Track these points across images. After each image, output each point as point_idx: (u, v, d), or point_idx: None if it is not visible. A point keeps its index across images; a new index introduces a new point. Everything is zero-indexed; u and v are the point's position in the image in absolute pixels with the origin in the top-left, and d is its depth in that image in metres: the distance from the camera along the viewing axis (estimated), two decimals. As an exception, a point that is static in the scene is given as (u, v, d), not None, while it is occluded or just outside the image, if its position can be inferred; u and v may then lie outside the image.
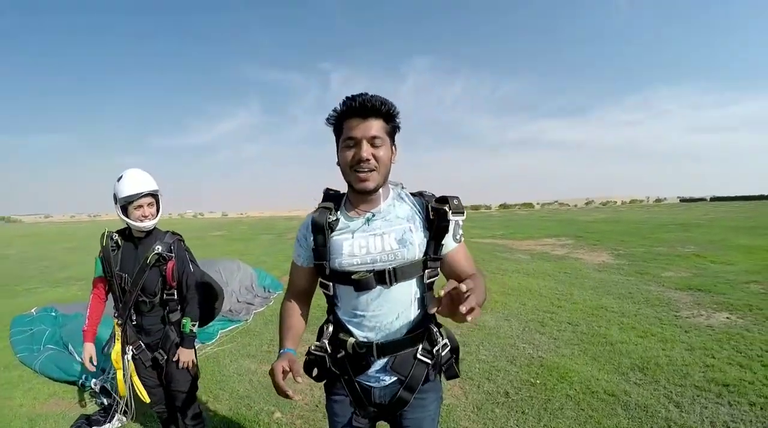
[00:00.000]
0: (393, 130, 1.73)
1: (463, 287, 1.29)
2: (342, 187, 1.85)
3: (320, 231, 1.73)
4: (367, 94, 1.63)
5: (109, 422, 3.91)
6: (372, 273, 1.66)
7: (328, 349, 1.79)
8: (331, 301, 1.84)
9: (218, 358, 5.51)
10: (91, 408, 4.25)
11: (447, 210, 1.68)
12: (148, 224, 2.89)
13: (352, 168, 1.66)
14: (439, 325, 1.86)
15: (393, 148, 1.75)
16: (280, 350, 1.70)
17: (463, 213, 1.73)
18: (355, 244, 1.70)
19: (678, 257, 12.16)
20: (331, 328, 1.82)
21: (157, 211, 2.97)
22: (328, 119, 1.73)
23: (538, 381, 4.36)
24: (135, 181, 2.86)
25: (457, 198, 1.73)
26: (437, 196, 1.79)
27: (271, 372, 1.54)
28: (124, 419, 3.93)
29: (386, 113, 1.66)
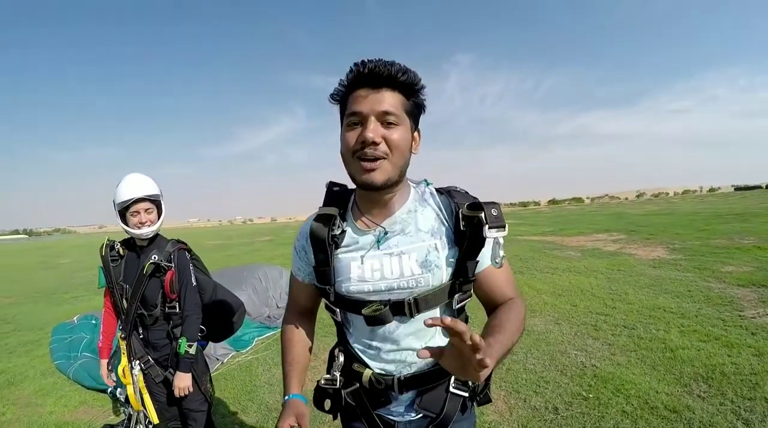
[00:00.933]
0: (415, 108, 1.34)
1: (476, 338, 0.96)
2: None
3: (321, 247, 1.40)
4: (381, 59, 1.26)
5: None
6: (387, 307, 1.34)
7: (340, 382, 1.49)
8: (341, 328, 1.53)
9: (251, 367, 5.36)
10: (118, 417, 4.18)
11: (482, 221, 1.30)
12: (145, 231, 2.70)
13: (354, 154, 1.27)
14: None
15: (415, 133, 1.37)
16: (284, 396, 1.43)
17: (504, 226, 1.32)
18: (366, 267, 1.38)
19: (738, 250, 11.42)
20: (342, 358, 1.51)
21: (159, 216, 2.78)
22: (332, 95, 1.35)
23: (591, 395, 3.99)
24: (132, 186, 2.67)
25: (495, 205, 1.33)
26: (469, 196, 1.43)
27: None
28: None
29: (406, 84, 1.27)
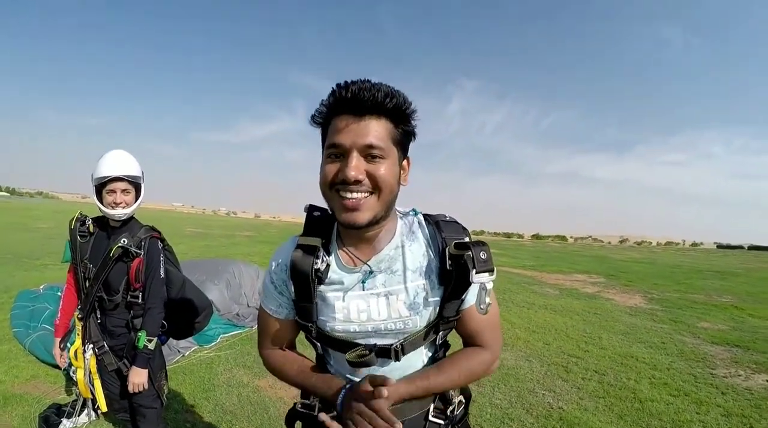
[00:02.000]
0: (404, 136, 1.22)
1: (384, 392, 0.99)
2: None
3: (303, 281, 1.27)
4: (368, 80, 1.13)
5: (77, 416, 3.66)
6: (372, 352, 1.24)
7: (317, 408, 1.36)
8: (321, 359, 1.44)
9: (212, 364, 5.23)
10: (69, 397, 4.09)
11: (469, 264, 1.20)
12: (119, 212, 2.56)
13: (333, 187, 1.17)
14: None
15: (403, 163, 1.26)
16: (337, 393, 1.26)
17: (492, 270, 1.22)
18: (352, 307, 1.28)
19: (714, 307, 11.49)
20: None
21: (136, 199, 2.65)
22: (313, 118, 1.23)
23: (555, 439, 3.90)
24: (112, 163, 2.54)
25: (484, 247, 1.23)
26: (459, 228, 1.33)
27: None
28: (94, 415, 3.71)
29: (394, 110, 1.15)
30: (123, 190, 2.56)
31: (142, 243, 2.66)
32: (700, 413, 4.63)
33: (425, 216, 1.40)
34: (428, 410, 1.38)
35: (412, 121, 1.22)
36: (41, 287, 7.18)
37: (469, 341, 1.40)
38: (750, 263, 37.38)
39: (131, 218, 2.72)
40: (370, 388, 1.13)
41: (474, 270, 1.19)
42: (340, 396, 1.23)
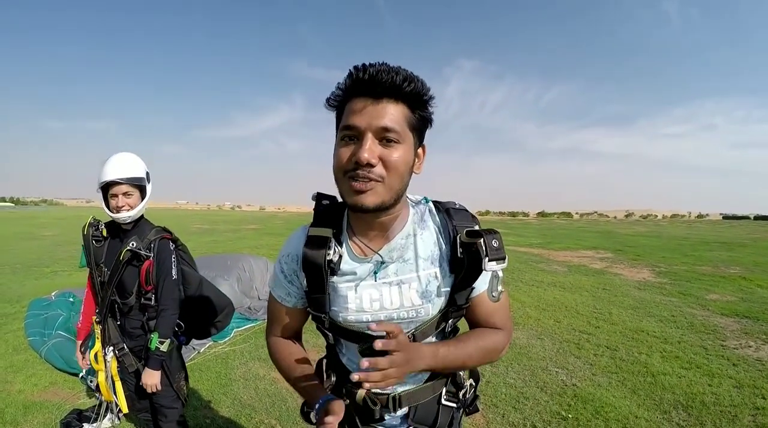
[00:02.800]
0: (421, 122, 1.18)
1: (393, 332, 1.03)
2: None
3: (316, 273, 1.25)
4: (385, 63, 1.09)
5: (100, 420, 3.69)
6: None
7: None
8: (332, 347, 1.44)
9: (227, 359, 5.27)
10: (89, 402, 4.09)
11: (481, 252, 1.19)
12: (123, 215, 2.57)
13: (346, 174, 1.13)
14: None
15: (419, 151, 1.23)
16: (313, 402, 1.27)
17: (504, 258, 1.21)
18: (364, 296, 1.27)
19: (723, 278, 11.50)
20: (334, 377, 1.40)
21: (141, 200, 2.65)
22: (328, 101, 1.19)
23: (570, 415, 3.94)
24: (113, 166, 2.54)
25: (496, 235, 1.22)
26: (468, 215, 1.33)
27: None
28: (116, 419, 3.74)
29: (412, 95, 1.11)
30: (125, 193, 2.56)
31: (152, 244, 2.67)
32: (712, 385, 4.64)
33: (435, 203, 1.39)
34: (440, 393, 1.40)
35: (430, 108, 1.19)
36: (53, 294, 7.24)
37: (481, 326, 1.40)
38: (757, 233, 37.34)
39: (141, 219, 2.73)
40: (338, 412, 1.14)
41: (486, 259, 1.19)
42: (316, 406, 1.24)
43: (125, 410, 2.85)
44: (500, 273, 1.31)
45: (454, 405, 1.42)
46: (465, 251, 1.24)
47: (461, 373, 1.43)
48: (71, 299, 6.85)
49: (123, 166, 2.57)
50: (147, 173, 2.69)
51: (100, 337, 2.75)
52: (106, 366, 2.76)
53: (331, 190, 1.27)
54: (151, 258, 2.64)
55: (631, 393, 4.44)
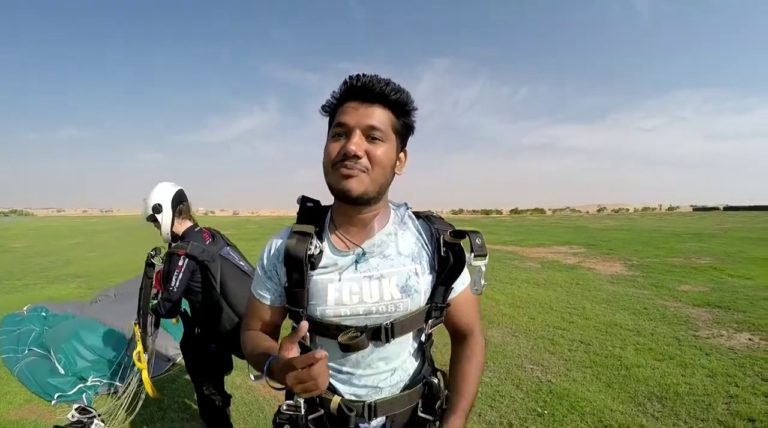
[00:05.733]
0: (404, 128, 1.32)
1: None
2: (326, 197, 1.39)
3: (297, 266, 1.29)
4: (377, 75, 1.24)
5: None
6: (363, 333, 1.27)
7: (303, 409, 1.35)
8: (306, 350, 1.35)
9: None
10: (65, 420, 3.94)
11: (463, 249, 1.32)
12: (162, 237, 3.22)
13: (335, 166, 1.23)
14: (436, 371, 1.50)
15: (401, 153, 1.36)
16: (266, 362, 1.23)
17: (485, 255, 1.34)
18: (344, 289, 1.30)
19: (694, 269, 11.73)
20: None
21: (160, 225, 3.15)
22: (323, 107, 1.32)
23: (546, 412, 4.00)
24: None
25: (479, 234, 1.35)
26: (447, 223, 1.43)
27: (284, 365, 1.08)
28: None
29: (398, 103, 1.26)
30: (154, 225, 3.18)
31: (164, 257, 3.13)
32: (685, 375, 4.74)
33: (414, 212, 1.50)
34: (417, 404, 1.41)
35: (412, 117, 1.33)
36: (25, 309, 7.15)
37: (458, 328, 1.50)
38: (727, 223, 38.02)
39: (182, 235, 3.19)
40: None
41: (472, 255, 1.31)
42: (266, 362, 1.22)
43: (155, 395, 3.64)
44: (483, 268, 1.35)
45: (431, 418, 1.43)
46: (449, 250, 1.33)
47: (436, 382, 1.44)
48: (44, 313, 6.77)
49: (143, 208, 3.16)
50: (156, 205, 3.12)
51: (140, 338, 3.32)
52: (149, 365, 3.45)
53: (309, 193, 1.37)
54: (161, 268, 3.14)
55: (605, 386, 4.51)
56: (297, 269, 1.29)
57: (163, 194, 3.13)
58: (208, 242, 3.18)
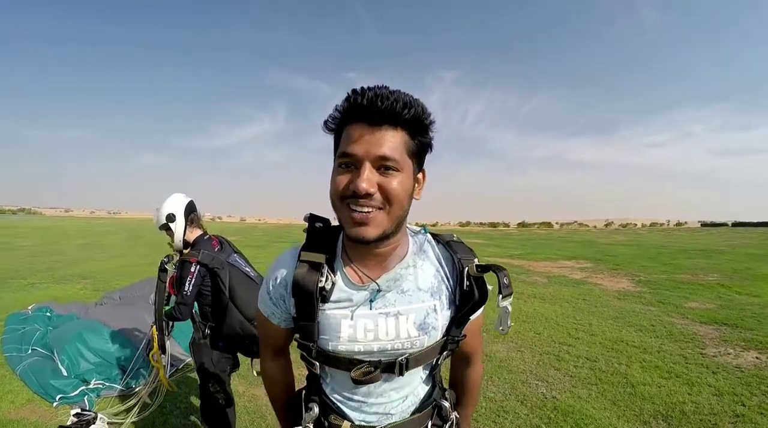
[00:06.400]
0: (420, 148, 1.16)
1: None
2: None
3: (307, 300, 1.19)
4: (385, 87, 1.06)
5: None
6: (377, 369, 1.22)
7: None
8: (316, 377, 1.37)
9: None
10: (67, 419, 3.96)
11: (486, 285, 1.23)
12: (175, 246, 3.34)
13: (344, 201, 1.10)
14: (445, 391, 1.46)
15: (418, 175, 1.20)
16: None
17: (511, 294, 1.26)
18: (359, 326, 1.21)
19: (701, 286, 11.61)
20: (317, 409, 1.33)
21: (173, 234, 3.29)
22: (326, 123, 1.16)
23: (550, 429, 3.96)
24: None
25: (504, 271, 1.24)
26: (468, 249, 1.33)
27: None
28: None
29: (412, 121, 1.08)
30: (166, 233, 3.32)
31: (177, 263, 3.25)
32: (692, 394, 4.67)
33: (433, 235, 1.39)
34: (426, 426, 1.36)
35: (430, 133, 1.16)
36: (30, 308, 7.14)
37: (462, 356, 1.50)
38: (734, 240, 37.77)
39: (188, 244, 3.34)
40: None
41: (500, 296, 1.24)
42: None
43: (171, 388, 3.91)
44: (509, 309, 1.28)
45: None
46: (472, 284, 1.23)
47: (446, 406, 1.39)
48: (48, 314, 6.76)
49: (155, 217, 3.31)
50: (170, 215, 3.26)
51: (158, 340, 3.43)
52: (165, 364, 3.72)
53: (315, 207, 1.28)
54: (174, 272, 3.24)
55: (611, 404, 4.46)
56: (307, 302, 1.20)
57: (176, 204, 3.30)
58: (216, 249, 3.32)
